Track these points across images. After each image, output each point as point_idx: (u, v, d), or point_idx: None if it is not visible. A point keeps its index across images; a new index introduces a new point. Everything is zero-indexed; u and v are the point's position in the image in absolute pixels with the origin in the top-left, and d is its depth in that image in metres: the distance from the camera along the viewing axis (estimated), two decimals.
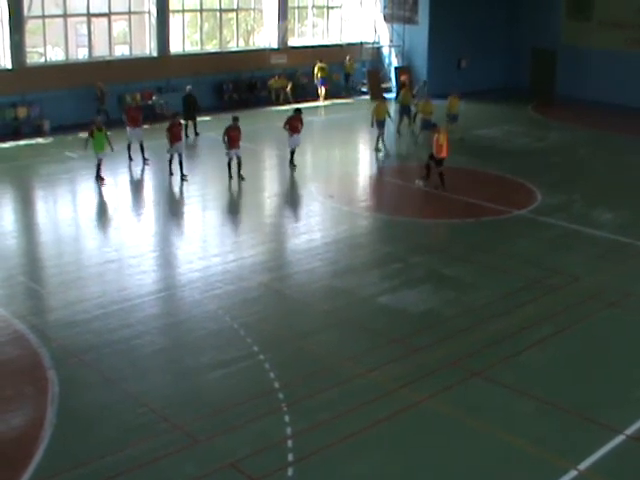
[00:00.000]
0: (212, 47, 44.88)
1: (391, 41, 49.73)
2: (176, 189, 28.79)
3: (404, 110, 39.20)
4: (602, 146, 37.49)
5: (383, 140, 34.97)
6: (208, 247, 23.37)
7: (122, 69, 39.55)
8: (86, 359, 16.41)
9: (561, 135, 39.57)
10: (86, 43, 39.73)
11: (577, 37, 48.68)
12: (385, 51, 50.36)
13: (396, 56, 49.70)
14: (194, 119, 37.07)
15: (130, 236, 24.15)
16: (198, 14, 43.56)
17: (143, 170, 30.78)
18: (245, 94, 44.33)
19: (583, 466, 13.17)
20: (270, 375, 15.88)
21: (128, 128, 31.84)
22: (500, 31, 51.03)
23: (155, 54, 41.03)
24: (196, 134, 37.00)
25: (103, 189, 28.30)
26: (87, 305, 18.85)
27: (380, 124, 34.72)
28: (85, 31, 39.87)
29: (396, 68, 49.26)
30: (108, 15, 39.52)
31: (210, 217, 26.57)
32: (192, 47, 44.23)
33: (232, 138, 29.29)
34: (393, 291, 20.21)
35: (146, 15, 40.82)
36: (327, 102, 46.09)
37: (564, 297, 20.06)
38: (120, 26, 43.11)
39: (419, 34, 48.40)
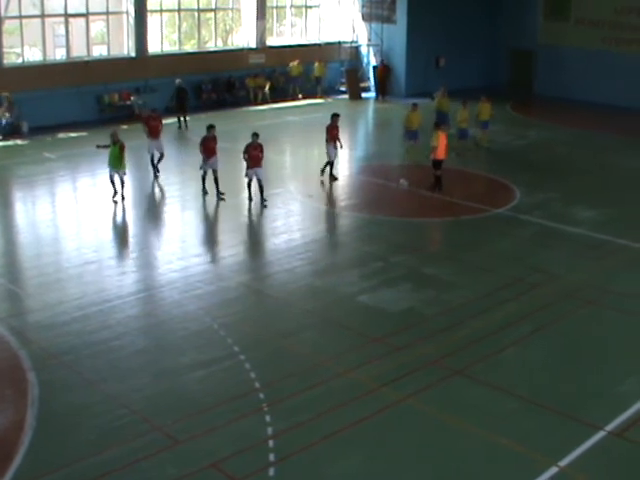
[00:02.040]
0: (190, 47, 44.81)
1: (369, 40, 49.76)
2: (155, 189, 28.71)
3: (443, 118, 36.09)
4: (580, 144, 37.63)
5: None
6: (187, 247, 23.30)
7: (100, 69, 39.43)
8: (66, 361, 16.34)
9: (540, 134, 39.70)
10: (64, 43, 39.56)
11: (555, 36, 48.88)
12: (363, 50, 50.37)
13: (374, 55, 49.73)
14: (185, 112, 37.38)
15: (109, 237, 24.09)
16: (176, 14, 43.51)
17: (153, 183, 29.53)
18: (224, 94, 44.27)
19: (564, 463, 13.22)
20: (251, 375, 15.86)
21: (148, 140, 29.97)
22: (478, 30, 51.15)
23: (133, 54, 40.93)
24: (186, 127, 37.51)
25: (89, 193, 28.24)
26: (67, 307, 18.77)
27: (412, 134, 32.62)
28: (63, 31, 39.73)
29: (374, 67, 49.32)
30: (86, 15, 39.40)
31: (189, 217, 26.50)
32: (170, 47, 44.12)
33: (208, 149, 27.07)
34: (373, 290, 20.22)
35: (124, 15, 40.74)
36: (306, 102, 46.08)
37: (544, 295, 20.12)
38: (98, 26, 42.99)
39: (397, 33, 48.46)
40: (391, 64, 49.06)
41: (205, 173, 27.35)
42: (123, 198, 26.61)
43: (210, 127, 27.50)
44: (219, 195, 27.08)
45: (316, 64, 47.06)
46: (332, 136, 29.79)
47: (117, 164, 26.41)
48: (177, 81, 38.47)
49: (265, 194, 26.71)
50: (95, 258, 22.05)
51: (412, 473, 13.09)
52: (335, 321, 18.57)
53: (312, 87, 47.57)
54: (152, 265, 22.06)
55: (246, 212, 26.20)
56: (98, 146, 27.37)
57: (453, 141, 33.84)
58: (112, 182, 26.52)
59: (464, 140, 34.17)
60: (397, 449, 13.67)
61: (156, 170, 29.61)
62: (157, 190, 28.65)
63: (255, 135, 26.69)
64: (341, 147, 30.45)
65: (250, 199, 26.70)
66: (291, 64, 46.66)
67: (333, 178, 30.00)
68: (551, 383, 16.04)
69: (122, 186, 26.62)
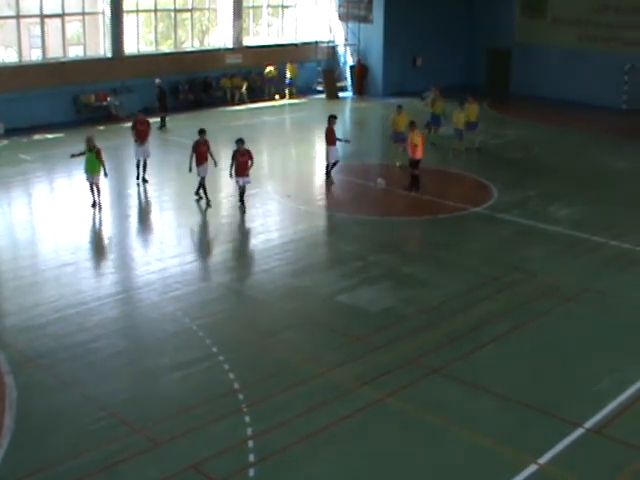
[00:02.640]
0: (167, 47, 44.69)
1: (346, 40, 49.79)
2: (133, 190, 28.60)
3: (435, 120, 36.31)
4: (558, 142, 37.76)
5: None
6: (165, 248, 23.24)
7: (76, 70, 39.30)
8: (43, 364, 16.26)
9: (517, 132, 39.82)
10: (40, 44, 39.38)
11: (532, 35, 49.06)
12: (340, 50, 50.39)
13: (351, 55, 49.75)
14: (166, 112, 37.38)
15: (87, 239, 23.99)
16: (152, 14, 43.38)
17: (145, 190, 28.81)
18: (200, 94, 44.19)
19: (543, 460, 13.26)
20: (230, 376, 15.83)
21: (135, 144, 29.35)
22: (455, 29, 51.28)
23: (109, 55, 40.80)
24: (163, 126, 37.84)
25: (64, 194, 28.12)
26: (43, 309, 18.67)
27: (399, 137, 32.08)
28: (38, 32, 39.51)
29: (351, 67, 49.36)
30: (62, 16, 39.22)
31: (167, 218, 26.44)
32: (147, 48, 43.98)
33: (200, 154, 26.48)
34: (353, 290, 20.22)
35: (100, 16, 40.59)
36: (283, 102, 46.06)
37: (522, 293, 20.18)
38: (74, 27, 42.75)
39: (374, 33, 48.52)
40: (368, 63, 49.13)
41: (202, 180, 26.62)
42: (100, 207, 26.03)
43: (201, 131, 26.80)
44: (197, 196, 26.81)
45: (288, 65, 46.79)
46: (332, 139, 29.63)
47: (94, 170, 25.83)
48: (157, 81, 38.41)
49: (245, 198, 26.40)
50: (72, 260, 21.96)
51: (392, 472, 13.08)
52: (314, 321, 18.57)
53: (285, 88, 47.43)
54: (130, 266, 21.99)
55: (224, 213, 26.13)
56: (72, 155, 26.81)
57: (451, 142, 33.98)
58: (91, 189, 26.09)
59: (461, 141, 34.12)
60: (377, 448, 13.68)
61: (143, 179, 29.01)
62: (136, 191, 28.51)
63: (240, 141, 25.86)
64: (347, 141, 31.12)
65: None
66: (267, 70, 46.66)
67: (331, 180, 29.90)
68: (529, 381, 16.09)
69: (98, 194, 26.11)
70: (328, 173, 29.96)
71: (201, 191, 26.70)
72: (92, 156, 25.76)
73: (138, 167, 29.17)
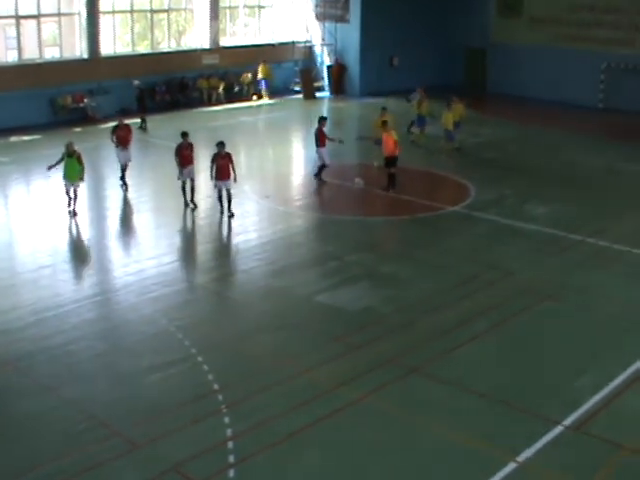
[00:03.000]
0: (143, 48, 44.55)
1: (323, 40, 49.80)
2: (111, 191, 28.53)
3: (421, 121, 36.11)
4: (534, 141, 37.89)
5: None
6: (143, 250, 23.21)
7: (53, 72, 39.11)
8: (21, 367, 16.19)
9: (493, 131, 39.93)
10: (15, 46, 39.18)
11: (508, 34, 49.21)
12: (317, 50, 50.40)
13: (328, 55, 49.77)
14: (145, 113, 37.30)
15: (64, 241, 23.90)
16: (129, 15, 43.24)
17: (124, 191, 28.38)
18: (177, 95, 44.10)
19: (522, 458, 13.31)
20: (209, 377, 15.81)
21: (117, 150, 28.77)
22: (432, 29, 51.27)
23: (86, 56, 40.62)
24: (143, 127, 37.58)
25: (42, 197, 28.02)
26: (21, 312, 18.58)
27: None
28: (14, 33, 39.32)
29: (328, 67, 49.38)
30: (37, 17, 39.03)
31: (146, 220, 26.36)
32: (123, 48, 43.82)
33: (184, 157, 25.99)
34: (331, 289, 20.24)
35: (76, 16, 40.41)
36: (260, 102, 46.01)
37: (499, 291, 20.26)
38: (50, 28, 42.53)
39: (351, 32, 48.55)
40: (346, 63, 49.12)
41: (184, 183, 26.22)
42: (76, 214, 25.35)
43: (184, 134, 26.41)
44: (193, 205, 26.23)
45: (260, 66, 46.45)
46: (323, 140, 29.54)
47: (74, 176, 25.21)
48: (136, 82, 38.33)
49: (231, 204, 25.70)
50: (49, 262, 21.88)
51: (371, 471, 13.11)
52: (293, 321, 18.58)
53: (257, 88, 47.31)
54: (108, 268, 21.94)
55: (203, 214, 26.07)
56: (50, 167, 25.51)
57: (439, 144, 33.94)
58: (68, 195, 25.45)
59: (451, 142, 34.04)
60: (356, 448, 13.70)
61: (124, 183, 28.54)
62: (114, 193, 28.42)
63: (221, 144, 25.34)
64: (340, 142, 30.74)
65: (222, 212, 25.56)
66: (243, 76, 46.63)
67: (322, 181, 29.70)
68: (508, 379, 16.14)
69: (75, 200, 25.44)
70: (318, 175, 29.75)
71: (188, 197, 26.26)
72: (73, 161, 25.20)
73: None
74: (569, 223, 25.45)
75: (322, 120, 30.10)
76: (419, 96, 36.44)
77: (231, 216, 25.32)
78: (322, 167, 29.60)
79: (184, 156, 26.00)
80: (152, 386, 15.64)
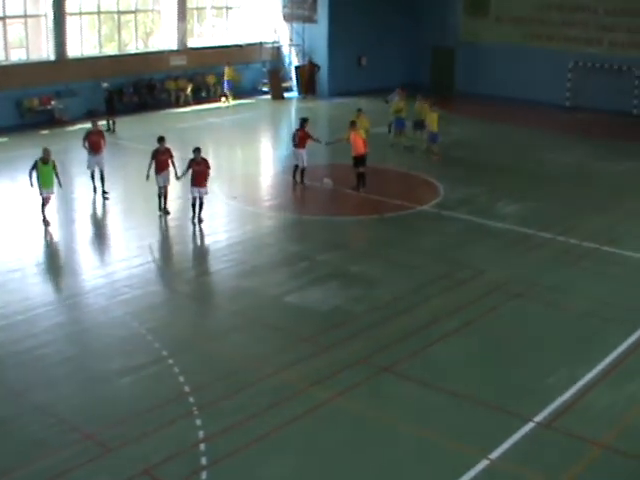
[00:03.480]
0: (111, 50, 44.32)
1: (291, 40, 49.79)
2: (79, 194, 28.35)
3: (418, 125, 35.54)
4: (503, 140, 38.07)
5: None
6: (113, 252, 23.10)
7: (19, 74, 38.81)
8: None
9: (462, 130, 40.05)
10: None
11: (476, 34, 49.43)
12: (285, 50, 50.38)
13: (297, 55, 49.76)
14: (114, 115, 37.05)
15: (33, 244, 23.70)
16: (96, 16, 42.99)
17: (104, 204, 27.45)
18: (145, 97, 43.93)
19: (494, 455, 13.37)
20: (180, 379, 15.76)
21: (89, 156, 27.99)
22: (400, 28, 51.39)
23: (53, 58, 40.37)
24: (111, 129, 37.27)
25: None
26: None
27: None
28: None
29: (297, 67, 49.38)
30: (3, 19, 38.73)
31: (115, 221, 26.24)
32: (90, 50, 43.54)
33: (160, 162, 25.43)
34: (301, 290, 20.23)
35: (42, 18, 40.12)
36: (228, 103, 45.88)
37: (470, 290, 20.32)
38: (16, 30, 42.20)
39: (319, 33, 48.55)
40: (318, 63, 49.05)
41: (160, 190, 25.63)
42: (48, 223, 24.75)
43: (160, 139, 25.77)
44: (166, 211, 25.75)
45: (226, 68, 46.05)
46: (302, 141, 29.32)
47: (50, 184, 24.72)
48: (104, 85, 38.11)
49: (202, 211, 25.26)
50: (18, 266, 21.69)
51: (343, 472, 13.11)
52: (263, 322, 18.55)
53: (238, 88, 47.28)
54: (77, 271, 21.81)
55: (172, 216, 25.95)
56: (32, 184, 24.69)
57: (425, 146, 33.86)
58: (44, 205, 24.86)
59: (435, 143, 33.86)
60: (328, 448, 13.70)
61: (102, 192, 27.70)
62: (82, 196, 28.25)
63: (197, 150, 25.04)
64: (326, 144, 30.62)
65: (193, 218, 25.04)
66: (208, 77, 46.52)
67: (297, 183, 29.58)
68: (479, 377, 16.21)
69: (44, 207, 24.86)
70: (295, 176, 29.60)
71: (162, 201, 25.77)
72: (49, 169, 24.65)
73: (93, 178, 28.03)
74: (539, 221, 25.58)
75: (304, 121, 29.92)
76: (398, 97, 36.24)
77: (200, 222, 24.98)
78: (297, 167, 29.50)
79: (160, 161, 25.40)
80: (123, 389, 15.57)
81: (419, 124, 34.78)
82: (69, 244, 23.90)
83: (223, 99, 46.26)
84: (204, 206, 25.13)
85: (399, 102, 35.66)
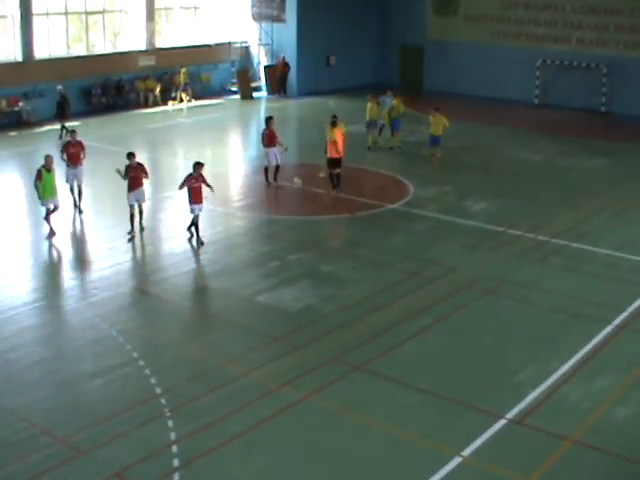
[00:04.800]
0: (79, 50, 44.06)
1: (260, 40, 49.73)
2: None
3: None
4: (472, 138, 38.14)
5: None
6: (83, 254, 22.98)
7: None
8: None
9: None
10: None
11: (444, 32, 49.58)
12: (254, 50, 50.31)
13: (265, 55, 49.71)
14: (66, 120, 36.39)
15: (1, 246, 23.55)
16: (63, 17, 42.74)
17: (78, 219, 26.04)
18: (114, 97, 43.72)
19: (467, 452, 13.45)
20: (151, 381, 15.73)
21: (67, 168, 26.24)
22: (369, 27, 51.51)
23: (20, 59, 40.06)
24: (62, 135, 36.06)
25: None
26: None
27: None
28: None
29: (265, 67, 49.33)
30: None
31: (84, 223, 26.06)
32: (58, 51, 43.26)
33: (133, 179, 23.72)
34: (272, 289, 20.22)
35: (9, 19, 39.84)
36: (197, 103, 45.65)
37: (441, 288, 20.39)
38: None
39: (287, 32, 48.50)
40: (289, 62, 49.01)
41: (132, 208, 23.81)
42: (55, 234, 23.74)
43: (130, 155, 23.98)
44: (141, 230, 24.20)
45: (182, 70, 45.19)
46: (271, 140, 29.19)
47: (55, 192, 23.77)
48: (59, 88, 37.73)
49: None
50: None
51: (316, 471, 13.14)
52: (234, 322, 18.54)
53: (204, 88, 47.11)
54: (46, 274, 21.70)
55: (139, 216, 25.85)
56: (37, 190, 23.66)
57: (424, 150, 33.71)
58: (48, 217, 23.87)
59: (436, 147, 33.69)
60: (301, 448, 13.73)
61: (78, 208, 26.36)
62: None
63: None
64: (286, 149, 29.84)
65: (198, 243, 23.40)
66: (177, 78, 46.28)
67: (276, 184, 29.39)
68: (451, 374, 16.27)
69: (49, 217, 23.83)
70: (268, 177, 29.44)
71: (137, 221, 24.15)
72: (51, 177, 23.64)
73: (72, 192, 26.52)
74: (508, 218, 25.71)
75: (270, 120, 29.85)
76: (393, 100, 35.79)
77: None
78: (267, 169, 29.45)
79: (132, 178, 23.74)
80: (94, 392, 15.51)
81: (371, 124, 34.81)
82: (37, 246, 23.70)
83: (173, 102, 45.36)
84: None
85: (398, 104, 35.38)
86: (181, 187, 23.72)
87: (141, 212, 24.25)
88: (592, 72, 44.29)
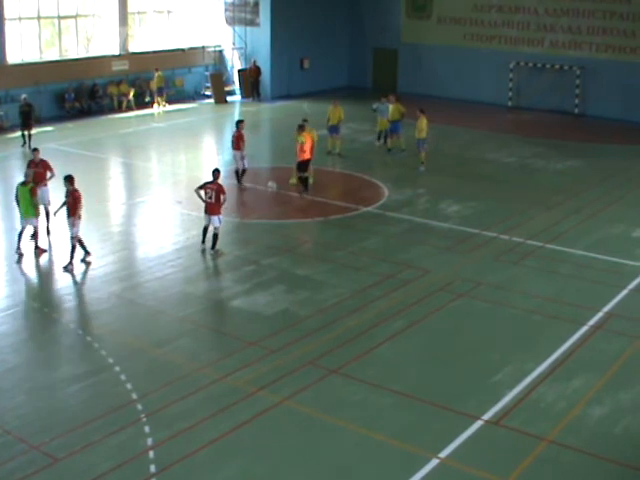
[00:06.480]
0: (52, 55, 43.86)
1: (233, 44, 49.68)
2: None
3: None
4: (446, 140, 38.16)
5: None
6: (56, 259, 22.85)
7: None
8: None
9: (405, 131, 40.02)
10: None
11: (418, 35, 49.72)
12: (228, 54, 50.26)
13: (240, 58, 49.67)
14: (30, 130, 35.70)
15: None
16: (36, 21, 42.52)
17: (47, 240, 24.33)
18: (87, 102, 43.54)
19: (444, 454, 13.49)
20: (127, 386, 15.67)
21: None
22: (342, 30, 51.62)
23: None
24: (30, 147, 32.78)
25: None
26: None
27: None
28: None
29: (241, 70, 49.27)
30: None
31: (57, 227, 25.91)
32: (31, 56, 43.04)
33: (70, 204, 21.84)
34: (247, 294, 20.19)
35: None
36: (170, 107, 45.54)
37: (415, 290, 20.42)
38: None
39: (261, 36, 48.48)
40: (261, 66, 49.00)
41: (73, 240, 22.01)
42: (45, 250, 23.11)
43: (67, 178, 22.02)
44: (83, 259, 22.27)
45: (156, 74, 45.08)
46: (238, 143, 29.26)
47: (31, 211, 22.39)
48: (23, 97, 37.22)
49: (211, 239, 23.24)
50: None
51: (293, 475, 13.13)
52: (210, 327, 18.54)
53: (179, 93, 47.05)
54: (20, 279, 21.57)
55: (115, 222, 25.77)
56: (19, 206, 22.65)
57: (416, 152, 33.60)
58: (20, 236, 22.73)
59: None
60: (277, 452, 13.72)
61: (47, 229, 24.55)
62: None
63: (216, 171, 23.46)
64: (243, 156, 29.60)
65: (202, 250, 23.12)
66: (151, 83, 46.14)
67: (242, 187, 29.49)
68: (427, 377, 16.31)
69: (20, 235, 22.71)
70: (240, 180, 29.53)
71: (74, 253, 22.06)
72: (26, 191, 22.32)
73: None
74: (482, 220, 25.79)
75: (240, 123, 30.00)
76: (390, 104, 35.46)
77: (215, 254, 22.94)
78: (238, 172, 29.44)
79: (68, 204, 21.97)
80: (70, 398, 15.43)
81: (334, 129, 34.69)
82: (9, 252, 23.52)
83: (155, 106, 45.31)
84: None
85: (399, 107, 35.20)
86: (198, 190, 23.42)
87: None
88: (565, 74, 44.51)
